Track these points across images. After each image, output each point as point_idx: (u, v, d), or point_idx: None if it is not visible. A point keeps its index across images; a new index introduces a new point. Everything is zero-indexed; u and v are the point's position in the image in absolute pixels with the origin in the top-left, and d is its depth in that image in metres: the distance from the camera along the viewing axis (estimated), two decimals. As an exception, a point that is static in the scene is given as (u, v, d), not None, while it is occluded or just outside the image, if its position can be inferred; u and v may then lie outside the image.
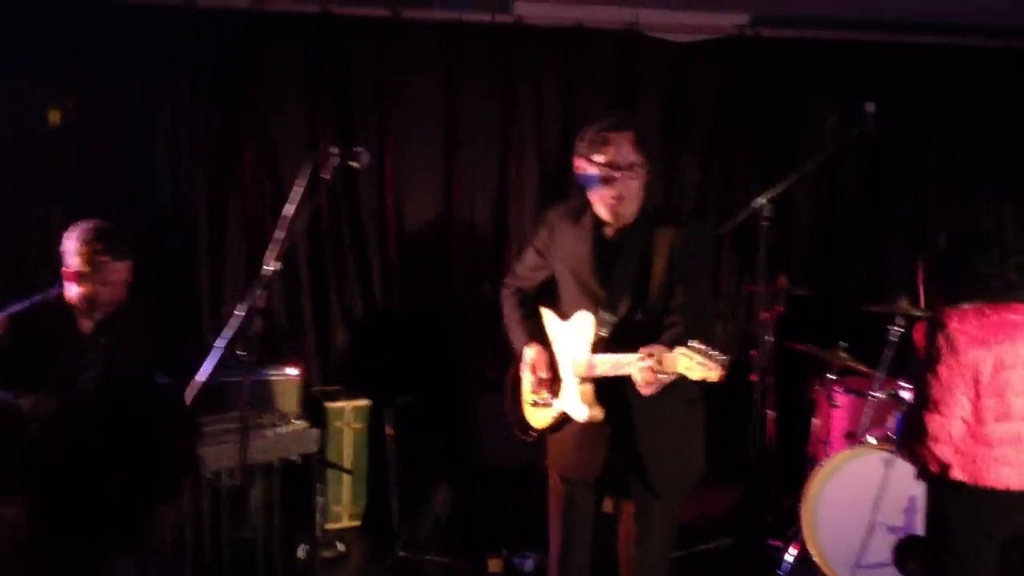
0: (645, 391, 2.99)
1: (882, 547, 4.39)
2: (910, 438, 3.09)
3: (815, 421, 5.40)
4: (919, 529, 4.27)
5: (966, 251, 3.08)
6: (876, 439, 4.65)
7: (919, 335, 3.11)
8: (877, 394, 4.85)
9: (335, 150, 3.49)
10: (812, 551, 4.71)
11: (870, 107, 5.04)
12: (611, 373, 3.11)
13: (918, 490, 4.21)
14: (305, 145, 5.56)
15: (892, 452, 4.33)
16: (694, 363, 2.79)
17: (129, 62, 5.40)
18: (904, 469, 4.19)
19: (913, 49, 6.13)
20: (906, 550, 4.18)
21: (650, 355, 2.91)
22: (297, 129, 5.63)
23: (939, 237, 3.12)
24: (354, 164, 3.53)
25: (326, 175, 3.52)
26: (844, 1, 5.64)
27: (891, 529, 4.43)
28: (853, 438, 4.99)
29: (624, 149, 3.19)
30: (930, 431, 3.02)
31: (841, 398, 5.17)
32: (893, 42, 6.10)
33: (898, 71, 6.17)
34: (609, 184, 3.20)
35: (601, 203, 3.27)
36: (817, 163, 5.21)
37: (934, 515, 3.19)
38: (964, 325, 3.02)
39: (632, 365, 2.98)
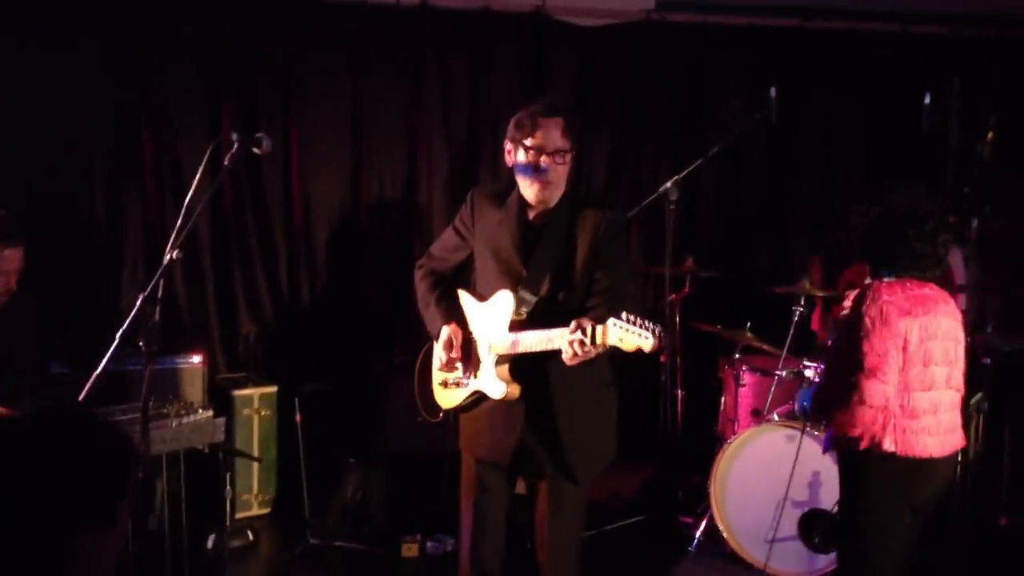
0: (571, 362, 3.01)
1: (788, 521, 4.49)
2: (835, 407, 3.21)
3: (723, 400, 5.49)
4: (823, 503, 4.39)
5: (904, 228, 3.20)
6: (781, 416, 4.76)
7: (853, 305, 3.21)
8: (782, 373, 4.96)
9: (235, 136, 3.43)
10: (721, 526, 4.81)
11: (772, 91, 5.15)
12: (537, 348, 3.12)
13: (822, 465, 4.36)
14: (207, 132, 5.46)
15: (798, 429, 4.42)
16: (628, 333, 2.81)
17: (20, 49, 5.21)
18: (808, 445, 4.31)
19: (816, 34, 6.24)
20: (810, 523, 4.27)
21: (581, 327, 2.93)
22: (199, 116, 5.52)
23: (866, 213, 3.23)
24: (256, 150, 3.47)
25: (227, 162, 3.45)
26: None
27: (796, 504, 4.53)
28: (759, 416, 5.10)
29: (553, 135, 3.23)
30: (866, 398, 3.12)
31: (747, 377, 5.27)
32: (797, 27, 6.20)
33: (802, 56, 6.29)
34: (537, 169, 3.23)
35: (528, 187, 3.30)
36: (722, 147, 5.30)
37: (854, 486, 3.28)
38: (893, 297, 3.16)
39: (563, 338, 2.99)
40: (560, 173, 3.27)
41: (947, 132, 6.09)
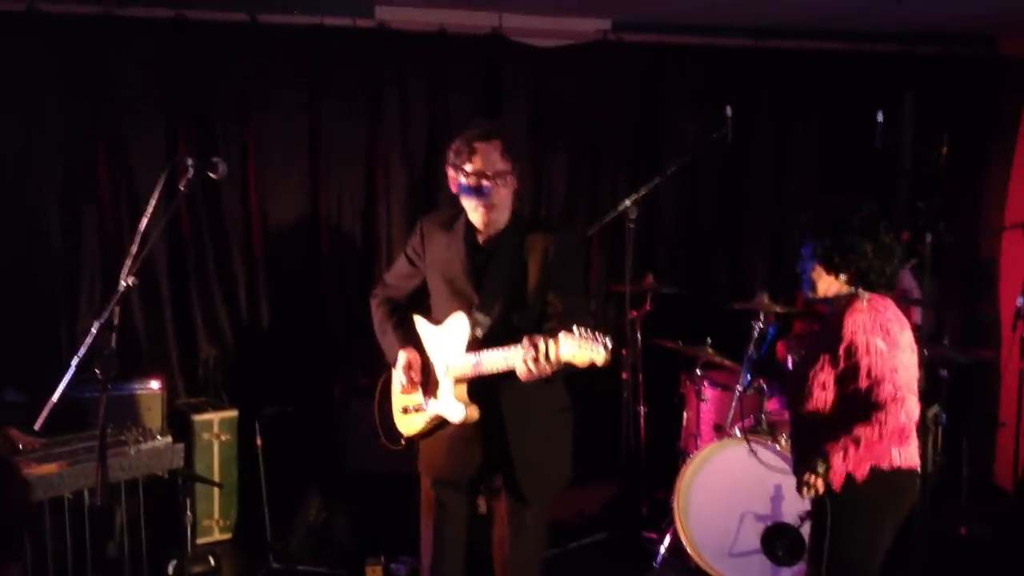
0: (526, 378, 3.02)
1: (750, 535, 4.51)
2: (856, 447, 3.03)
3: (685, 415, 5.53)
4: (786, 516, 4.42)
5: (889, 244, 3.18)
6: (742, 431, 4.79)
7: (838, 331, 3.13)
8: (742, 388, 4.99)
9: (190, 161, 3.41)
10: (685, 541, 4.82)
11: (728, 110, 5.21)
12: (496, 368, 3.13)
13: (782, 479, 4.38)
14: (163, 153, 5.42)
15: (760, 442, 4.45)
16: (580, 349, 2.83)
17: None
18: (768, 459, 4.34)
19: (770, 54, 6.31)
20: (774, 537, 4.29)
21: (534, 344, 2.94)
22: (155, 139, 5.47)
23: (851, 229, 3.14)
24: (212, 175, 3.46)
25: (183, 187, 3.44)
26: (702, 7, 5.77)
27: (759, 517, 4.56)
28: (721, 430, 5.12)
29: (492, 157, 3.24)
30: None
31: (709, 392, 5.30)
32: (751, 47, 6.27)
33: (757, 75, 6.35)
34: (479, 193, 3.25)
35: (473, 211, 3.32)
36: (679, 166, 5.35)
37: (845, 505, 3.13)
38: (888, 312, 3.15)
39: (517, 356, 3.01)
40: (503, 195, 3.29)
41: (900, 148, 6.19)
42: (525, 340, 2.98)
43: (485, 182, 3.23)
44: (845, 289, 3.18)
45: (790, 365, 3.35)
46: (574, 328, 2.86)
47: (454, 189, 3.35)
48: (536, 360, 2.94)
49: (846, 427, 3.06)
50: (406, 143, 5.91)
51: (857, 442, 3.02)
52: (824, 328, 3.24)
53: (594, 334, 2.84)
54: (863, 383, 3.07)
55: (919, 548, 4.20)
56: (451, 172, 3.33)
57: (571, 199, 6.29)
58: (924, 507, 3.41)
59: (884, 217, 3.18)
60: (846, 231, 3.11)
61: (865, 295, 3.17)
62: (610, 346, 2.84)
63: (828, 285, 3.20)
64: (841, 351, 3.10)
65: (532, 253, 3.30)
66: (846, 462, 3.02)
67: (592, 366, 2.87)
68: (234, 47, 5.57)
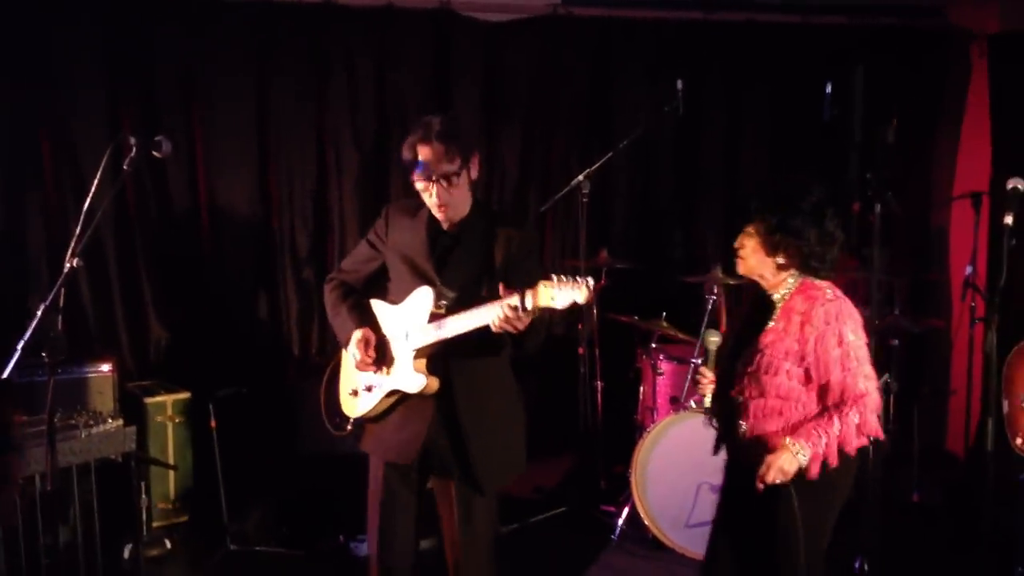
0: (498, 327, 2.98)
1: (707, 506, 4.55)
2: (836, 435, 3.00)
3: (641, 389, 5.55)
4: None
5: (832, 232, 3.11)
6: (698, 403, 4.82)
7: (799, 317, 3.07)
8: (697, 360, 5.03)
9: (133, 140, 3.36)
10: (642, 514, 4.86)
11: (679, 84, 5.22)
12: (462, 329, 3.11)
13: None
14: (107, 134, 5.31)
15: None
16: (560, 291, 2.82)
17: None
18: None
19: (719, 26, 6.31)
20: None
21: (512, 294, 2.92)
22: (98, 117, 5.38)
23: (800, 212, 3.06)
24: (155, 153, 3.41)
25: (126, 166, 3.38)
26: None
27: (714, 488, 4.58)
28: (677, 403, 5.17)
29: (435, 160, 3.20)
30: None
31: (665, 366, 5.33)
32: (700, 20, 6.27)
33: (707, 48, 6.36)
34: (431, 193, 3.24)
35: (432, 208, 3.31)
36: (631, 139, 5.35)
37: (819, 489, 3.06)
38: (848, 301, 3.13)
39: (490, 311, 2.98)
40: (455, 194, 3.25)
41: (851, 120, 6.23)
42: (503, 291, 2.96)
43: (432, 184, 3.21)
44: (780, 271, 3.11)
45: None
46: (552, 276, 2.85)
47: (414, 185, 3.34)
48: (515, 308, 2.92)
49: (820, 413, 3.04)
50: (356, 122, 5.87)
51: (837, 429, 2.99)
52: (777, 312, 3.12)
53: (574, 277, 2.83)
54: (838, 372, 3.03)
55: (871, 515, 4.26)
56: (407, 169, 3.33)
57: (524, 175, 6.28)
58: (876, 474, 3.46)
59: (832, 203, 3.11)
60: (795, 214, 3.04)
61: (822, 283, 3.12)
62: (592, 283, 2.83)
63: (761, 264, 3.11)
64: (813, 339, 3.03)
65: (497, 243, 3.29)
66: (827, 448, 2.99)
67: (573, 305, 2.86)
68: (179, 24, 5.49)
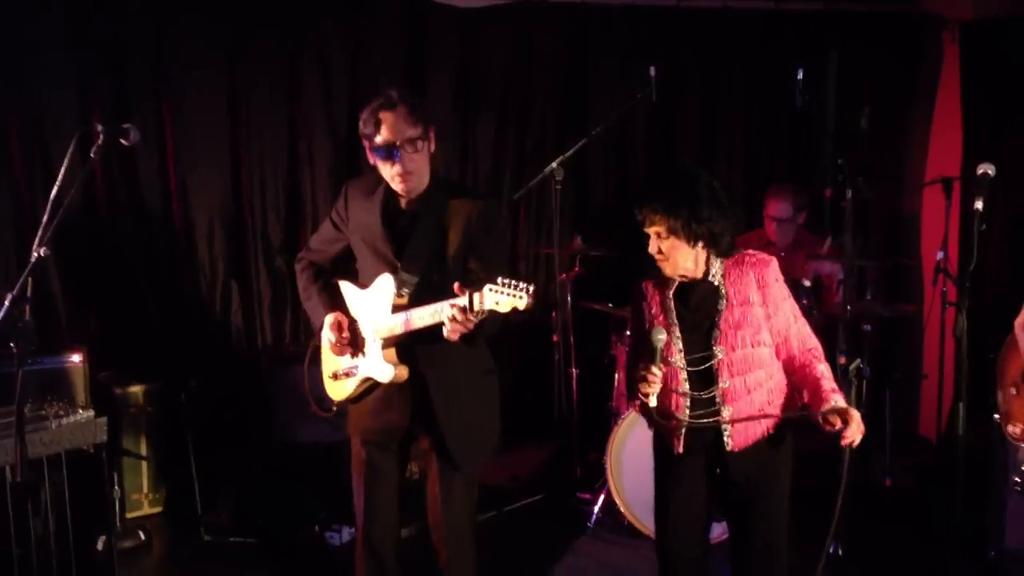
0: (451, 334, 3.03)
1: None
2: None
3: (616, 376, 5.55)
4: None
5: (728, 204, 3.20)
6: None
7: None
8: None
9: (100, 128, 3.33)
10: (618, 501, 4.88)
11: (652, 70, 5.22)
12: (425, 323, 3.12)
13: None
14: (77, 122, 5.25)
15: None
16: (503, 296, 2.84)
17: None
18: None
19: (693, 12, 6.30)
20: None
21: (462, 293, 2.95)
22: (68, 105, 5.31)
23: (703, 200, 3.12)
24: (123, 141, 3.38)
25: (93, 154, 3.35)
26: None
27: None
28: (651, 390, 5.16)
29: (399, 125, 3.21)
30: None
31: (639, 352, 5.32)
32: (673, 6, 6.24)
33: (681, 35, 6.35)
34: (392, 161, 3.22)
35: (391, 180, 3.30)
36: (604, 126, 5.35)
37: (789, 450, 3.25)
38: None
39: (446, 308, 3.01)
40: (418, 160, 3.26)
41: (824, 106, 6.25)
42: (456, 285, 2.99)
43: (395, 151, 3.21)
44: (699, 257, 3.15)
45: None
46: (498, 279, 2.87)
47: (371, 160, 3.33)
48: (462, 309, 2.94)
49: (805, 364, 3.15)
50: (329, 109, 5.83)
51: (829, 371, 3.13)
52: (725, 292, 3.16)
53: (517, 283, 2.86)
54: (792, 323, 3.18)
55: (843, 499, 4.27)
56: (365, 143, 3.31)
57: (498, 163, 6.26)
58: (849, 459, 3.47)
59: (713, 177, 3.18)
60: (699, 201, 3.08)
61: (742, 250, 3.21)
62: (532, 290, 2.85)
63: (685, 257, 3.13)
64: (773, 297, 3.15)
65: (455, 218, 3.30)
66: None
67: (515, 311, 2.88)
68: (149, 14, 5.42)
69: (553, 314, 5.56)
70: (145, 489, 5.16)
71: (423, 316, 3.13)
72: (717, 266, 3.18)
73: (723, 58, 6.45)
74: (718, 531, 4.44)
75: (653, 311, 3.23)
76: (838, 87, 6.31)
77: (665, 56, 6.04)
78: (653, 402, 3.11)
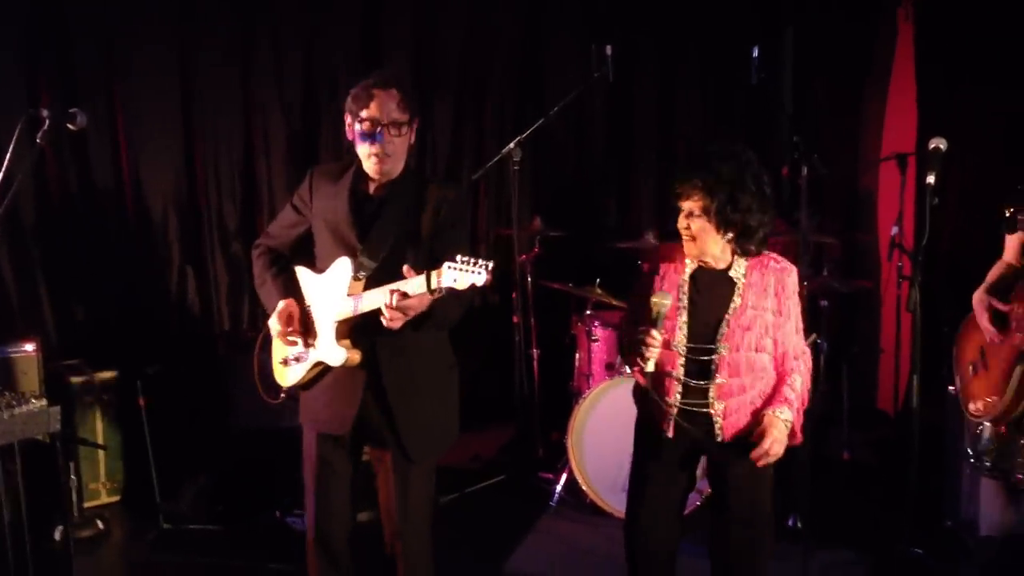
0: (392, 324, 2.99)
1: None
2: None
3: (577, 356, 5.56)
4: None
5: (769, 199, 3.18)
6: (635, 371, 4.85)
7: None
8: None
9: (46, 113, 3.28)
10: (580, 479, 4.89)
11: (608, 49, 5.20)
12: (377, 304, 3.09)
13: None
14: (25, 109, 5.12)
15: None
16: (462, 273, 2.82)
17: None
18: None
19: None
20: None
21: (413, 274, 2.93)
22: (15, 94, 5.15)
23: (747, 190, 3.05)
24: (70, 126, 3.33)
25: (39, 140, 3.30)
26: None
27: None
28: (612, 369, 5.19)
29: (388, 106, 3.18)
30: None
31: (599, 332, 5.34)
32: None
33: (637, 12, 6.35)
34: (372, 140, 3.19)
35: (367, 159, 3.26)
36: (561, 106, 5.33)
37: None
38: None
39: (400, 287, 2.97)
40: (398, 145, 3.24)
41: (780, 82, 6.28)
42: (405, 268, 2.96)
43: (379, 130, 3.18)
44: (725, 248, 3.11)
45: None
46: (457, 257, 2.85)
47: (350, 136, 3.30)
48: (401, 295, 2.93)
49: (787, 379, 3.14)
50: (283, 93, 5.77)
51: (799, 384, 3.13)
52: (740, 290, 3.12)
53: (476, 260, 2.84)
54: (794, 335, 3.17)
55: (803, 473, 4.32)
56: (348, 118, 3.28)
57: (456, 145, 6.24)
58: (807, 433, 3.52)
59: (765, 170, 3.10)
60: (743, 190, 3.00)
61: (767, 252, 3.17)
62: (490, 267, 2.83)
63: (713, 243, 3.08)
64: (788, 307, 3.13)
65: (423, 207, 3.27)
66: (800, 405, 3.12)
67: (473, 287, 2.86)
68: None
69: (513, 295, 5.55)
70: (103, 478, 5.11)
71: (375, 299, 3.11)
72: (741, 263, 3.14)
73: (680, 37, 6.45)
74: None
75: (665, 287, 3.15)
76: (794, 64, 6.34)
77: (622, 35, 6.03)
78: (651, 367, 3.03)
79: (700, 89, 6.54)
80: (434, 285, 2.88)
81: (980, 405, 3.76)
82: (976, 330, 3.85)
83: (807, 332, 4.52)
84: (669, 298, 3.05)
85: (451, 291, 2.89)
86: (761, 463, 3.03)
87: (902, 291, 5.52)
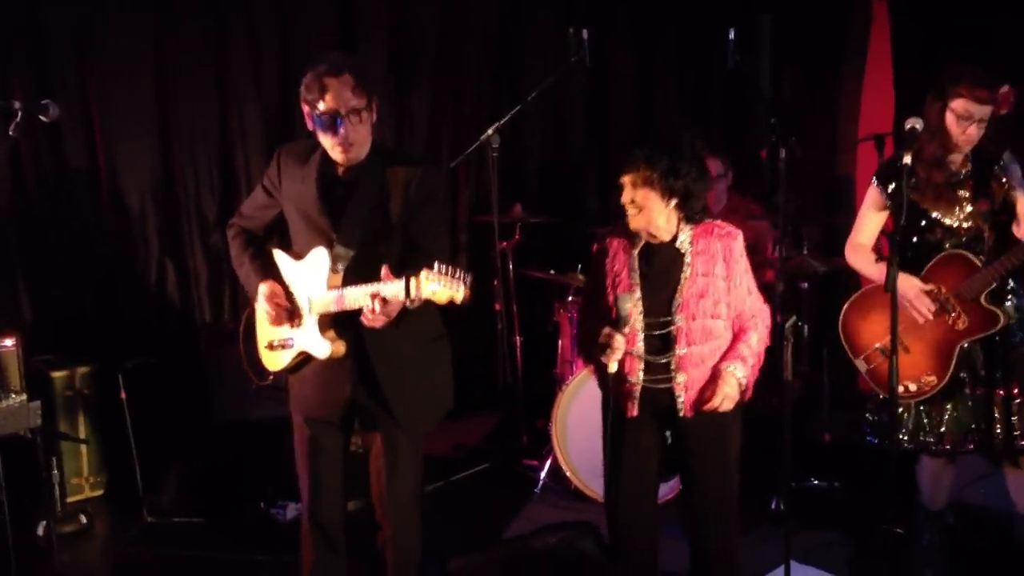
0: (371, 322, 2.98)
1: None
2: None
3: (560, 343, 5.57)
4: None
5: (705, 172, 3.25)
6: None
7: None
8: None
9: (18, 104, 3.25)
10: (564, 466, 4.91)
11: (584, 34, 5.19)
12: (359, 304, 3.07)
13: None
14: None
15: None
16: (440, 285, 2.80)
17: None
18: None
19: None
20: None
21: (391, 279, 2.91)
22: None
23: (684, 157, 3.12)
24: (43, 117, 3.31)
25: (12, 132, 3.27)
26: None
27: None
28: (594, 355, 5.19)
29: (344, 94, 3.11)
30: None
31: (581, 318, 5.34)
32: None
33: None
34: (335, 130, 3.14)
35: (331, 149, 3.21)
36: (539, 91, 5.32)
37: (739, 419, 3.33)
38: None
39: (380, 290, 2.96)
40: (361, 131, 3.18)
41: (757, 67, 6.28)
42: (384, 269, 2.94)
43: (339, 120, 3.12)
44: (671, 217, 3.15)
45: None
46: (436, 265, 2.82)
47: (310, 126, 3.24)
48: (383, 300, 2.91)
49: (743, 336, 3.21)
50: (259, 82, 5.73)
51: (755, 342, 3.20)
52: (688, 259, 3.17)
53: (455, 272, 2.82)
54: (747, 297, 3.23)
55: (784, 455, 4.34)
56: (305, 108, 3.21)
57: (434, 132, 6.22)
58: (788, 415, 3.53)
59: (703, 144, 3.19)
60: (681, 158, 3.07)
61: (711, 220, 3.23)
62: (469, 282, 2.82)
63: (658, 212, 3.11)
64: (737, 272, 3.19)
65: (394, 186, 3.22)
66: (755, 361, 3.20)
67: (451, 303, 2.85)
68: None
69: (495, 283, 5.55)
70: (86, 473, 5.10)
71: (356, 297, 3.08)
72: (686, 232, 3.17)
73: (657, 21, 6.45)
74: (663, 491, 4.50)
75: (616, 268, 3.21)
76: (771, 47, 6.33)
77: (599, 20, 6.02)
78: (614, 368, 3.09)
79: (677, 73, 6.55)
80: (413, 295, 2.86)
81: (914, 386, 3.78)
82: (878, 312, 3.87)
83: (788, 314, 4.56)
84: (631, 301, 3.09)
85: (429, 302, 2.87)
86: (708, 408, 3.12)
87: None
